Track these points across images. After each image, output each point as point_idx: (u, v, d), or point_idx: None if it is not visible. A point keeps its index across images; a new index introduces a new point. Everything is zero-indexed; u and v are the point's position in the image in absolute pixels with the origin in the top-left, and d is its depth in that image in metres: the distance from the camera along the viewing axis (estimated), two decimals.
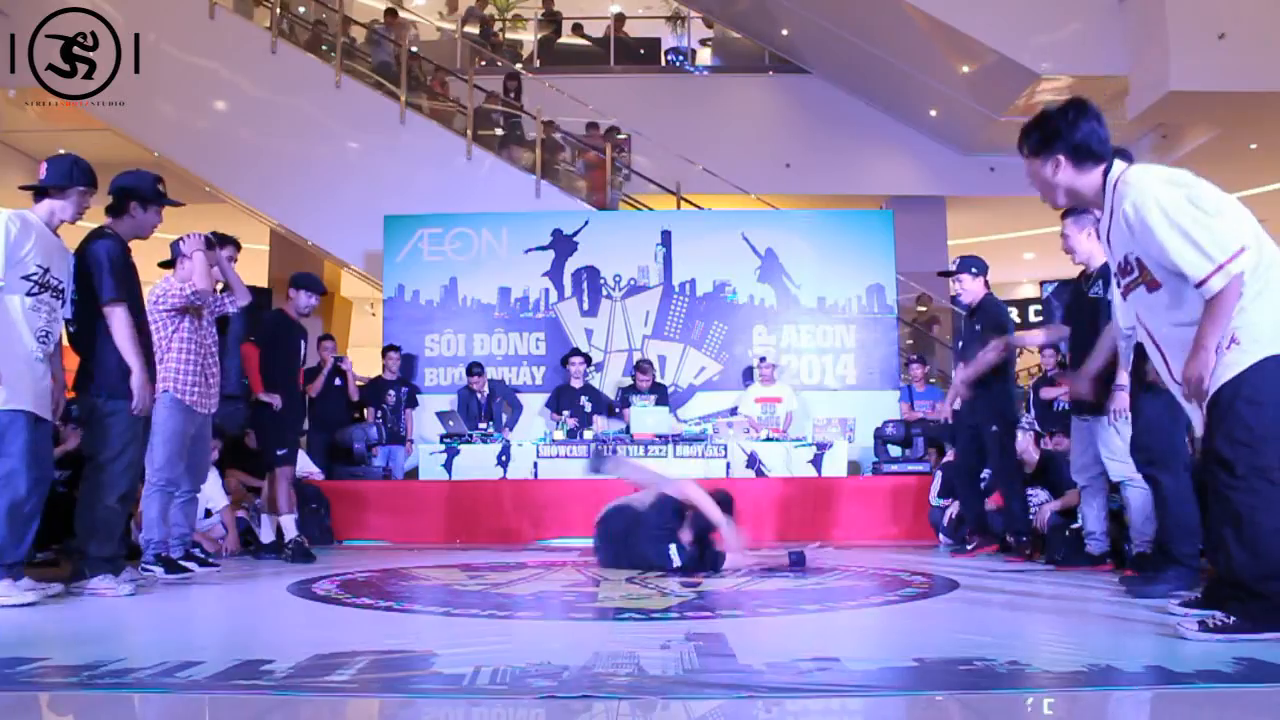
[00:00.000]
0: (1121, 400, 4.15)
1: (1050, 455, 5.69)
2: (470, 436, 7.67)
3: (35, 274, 3.59)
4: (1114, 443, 4.26)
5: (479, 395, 8.42)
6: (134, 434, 3.99)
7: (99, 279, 3.85)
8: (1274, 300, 2.57)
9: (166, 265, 4.81)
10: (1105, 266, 4.40)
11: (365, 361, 9.64)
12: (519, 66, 12.31)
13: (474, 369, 8.46)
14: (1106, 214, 2.78)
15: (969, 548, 5.58)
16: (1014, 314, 15.53)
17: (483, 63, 12.23)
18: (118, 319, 3.87)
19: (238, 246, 5.22)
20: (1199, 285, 2.54)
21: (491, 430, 7.92)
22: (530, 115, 10.59)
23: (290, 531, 5.47)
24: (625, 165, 11.12)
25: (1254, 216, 2.68)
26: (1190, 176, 2.67)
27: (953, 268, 5.55)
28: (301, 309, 5.69)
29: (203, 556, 4.88)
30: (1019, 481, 5.37)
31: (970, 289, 5.46)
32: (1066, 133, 2.75)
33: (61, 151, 3.88)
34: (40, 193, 3.76)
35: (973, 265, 5.48)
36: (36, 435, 3.54)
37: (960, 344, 6.05)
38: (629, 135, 11.36)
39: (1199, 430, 2.86)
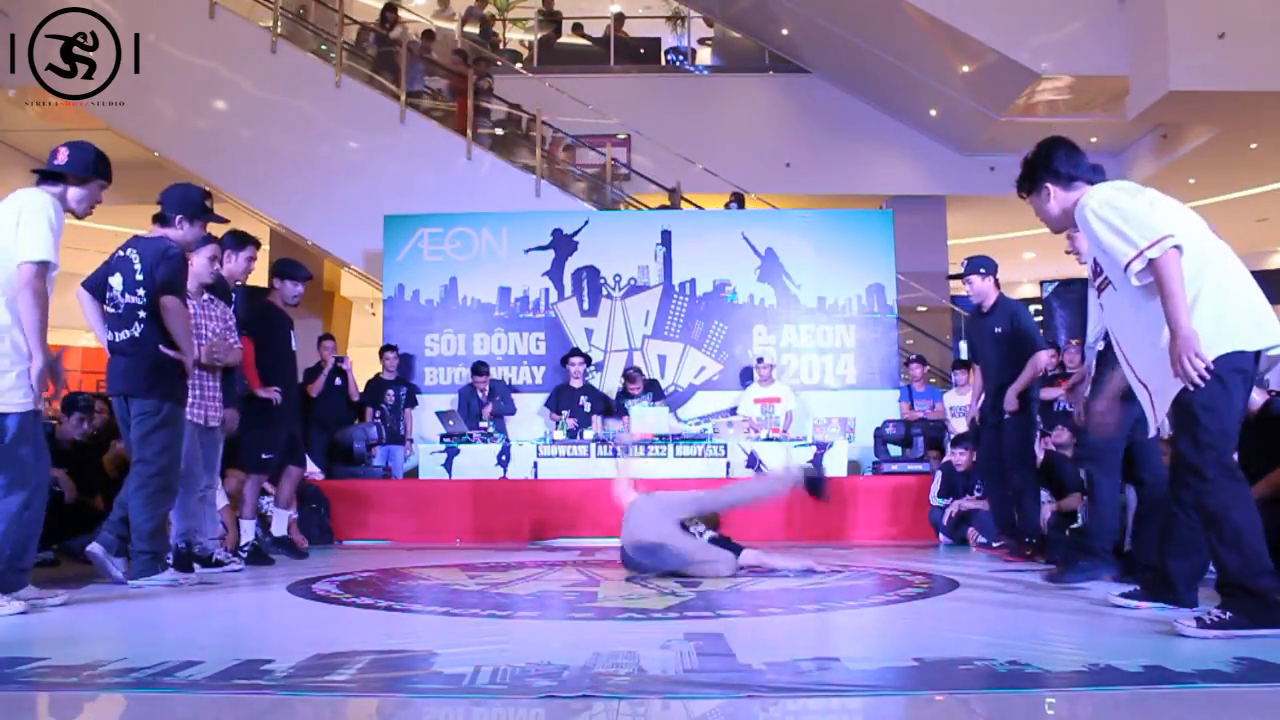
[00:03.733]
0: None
1: (1053, 456, 5.68)
2: (470, 436, 7.67)
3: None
4: None
5: (480, 393, 8.42)
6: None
7: (163, 273, 3.98)
8: (1212, 304, 2.69)
9: None
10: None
11: (365, 361, 9.63)
12: (519, 66, 12.32)
13: (479, 368, 8.46)
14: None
15: (995, 545, 5.54)
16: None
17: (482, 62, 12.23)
18: (175, 310, 3.97)
19: (258, 245, 5.20)
20: (1125, 269, 2.76)
21: (491, 429, 7.92)
22: (530, 115, 10.59)
23: (247, 535, 5.35)
24: (626, 165, 11.12)
25: (1199, 221, 2.92)
26: (1133, 186, 2.95)
27: (961, 269, 5.53)
28: (289, 299, 5.52)
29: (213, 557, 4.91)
30: (1035, 478, 5.33)
31: (980, 289, 5.40)
32: (1045, 164, 3.14)
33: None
34: (54, 177, 3.57)
35: (981, 265, 5.42)
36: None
37: (970, 344, 6.02)
38: (628, 136, 11.37)
39: (1163, 431, 3.03)
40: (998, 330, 5.31)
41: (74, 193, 3.59)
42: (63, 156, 3.58)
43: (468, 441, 7.57)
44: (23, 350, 3.34)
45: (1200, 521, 2.74)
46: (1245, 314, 2.72)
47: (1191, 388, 2.64)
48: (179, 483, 4.23)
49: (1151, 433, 3.05)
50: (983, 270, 5.41)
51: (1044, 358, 5.24)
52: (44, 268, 3.34)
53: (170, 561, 4.30)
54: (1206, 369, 2.62)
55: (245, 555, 5.24)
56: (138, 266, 4.01)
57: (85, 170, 3.59)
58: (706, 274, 9.15)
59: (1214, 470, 2.66)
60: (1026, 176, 3.21)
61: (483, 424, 8.06)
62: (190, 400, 4.47)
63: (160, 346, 4.00)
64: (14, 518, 3.33)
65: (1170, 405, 2.77)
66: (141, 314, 4.00)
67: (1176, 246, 2.67)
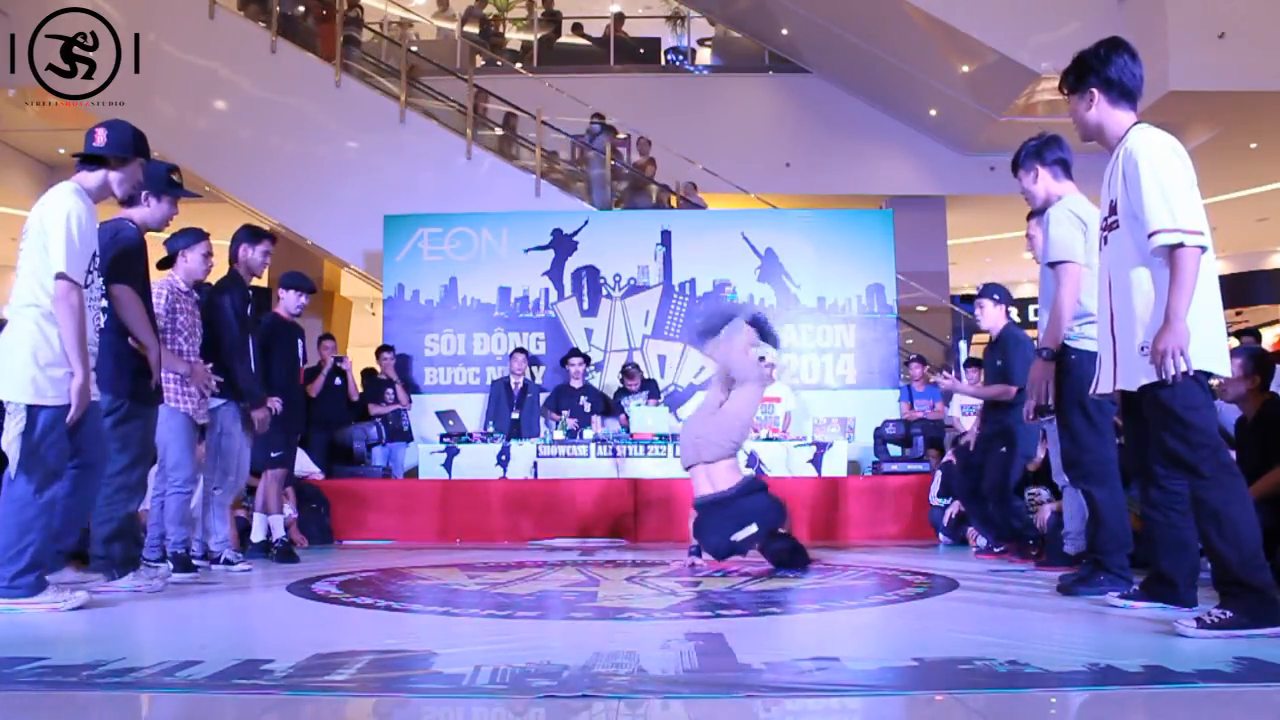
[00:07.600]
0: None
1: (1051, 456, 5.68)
2: (471, 436, 7.68)
3: (91, 261, 3.36)
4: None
5: (513, 383, 8.36)
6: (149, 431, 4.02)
7: (105, 260, 3.69)
8: (1195, 317, 2.64)
9: (164, 265, 4.77)
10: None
11: (365, 361, 9.64)
12: (519, 66, 12.32)
13: (517, 351, 8.48)
14: (1112, 159, 2.91)
15: (997, 550, 5.44)
16: (1013, 313, 15.64)
17: (482, 62, 12.24)
18: (125, 299, 3.75)
19: (273, 240, 5.21)
20: (1151, 234, 2.67)
21: (518, 416, 7.98)
22: (531, 115, 10.59)
23: (278, 531, 5.48)
24: (626, 165, 11.12)
25: (1254, 217, 2.79)
26: (1185, 154, 2.81)
27: (974, 292, 5.45)
28: (292, 310, 5.62)
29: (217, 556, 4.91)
30: (1001, 502, 5.26)
31: (990, 316, 5.27)
32: (1099, 67, 2.94)
33: (115, 119, 3.57)
34: (93, 160, 3.43)
35: (994, 292, 5.30)
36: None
37: (981, 376, 5.99)
38: (629, 136, 11.37)
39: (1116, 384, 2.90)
40: (998, 364, 5.20)
41: (115, 175, 3.47)
42: (101, 138, 3.43)
43: (467, 441, 7.58)
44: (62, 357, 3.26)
45: (1196, 517, 2.72)
46: (1219, 338, 2.73)
47: (1169, 380, 2.61)
48: (142, 484, 4.05)
49: (1106, 389, 2.94)
50: (995, 297, 5.28)
51: (1009, 391, 5.08)
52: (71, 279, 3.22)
53: (152, 563, 4.26)
54: (1184, 371, 2.59)
55: (276, 552, 5.38)
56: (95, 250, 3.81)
57: (124, 150, 3.46)
58: (706, 274, 9.15)
59: (1210, 467, 2.64)
60: (1075, 74, 2.99)
61: (514, 416, 8.07)
62: (190, 397, 4.49)
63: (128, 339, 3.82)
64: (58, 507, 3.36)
65: (1150, 406, 2.75)
66: (104, 302, 3.77)
67: (1203, 248, 2.63)
